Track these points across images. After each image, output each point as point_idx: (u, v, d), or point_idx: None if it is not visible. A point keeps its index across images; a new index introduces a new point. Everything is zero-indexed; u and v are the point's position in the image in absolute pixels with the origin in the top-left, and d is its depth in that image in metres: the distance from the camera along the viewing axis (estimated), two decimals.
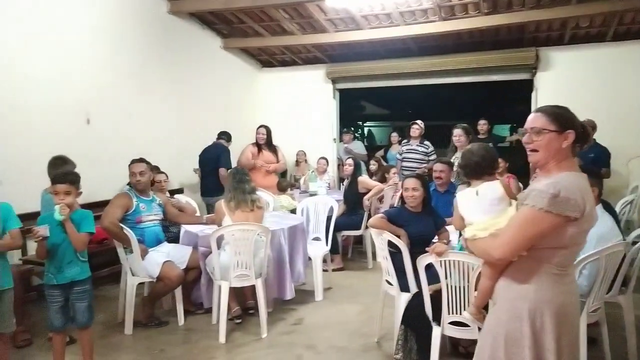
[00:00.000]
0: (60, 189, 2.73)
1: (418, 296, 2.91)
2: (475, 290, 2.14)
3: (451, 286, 2.63)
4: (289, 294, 3.92)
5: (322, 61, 7.85)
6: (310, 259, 4.38)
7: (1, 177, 4.04)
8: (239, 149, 6.23)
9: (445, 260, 2.60)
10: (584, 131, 1.74)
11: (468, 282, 2.56)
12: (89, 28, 5.03)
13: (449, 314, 2.66)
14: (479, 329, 2.56)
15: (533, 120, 1.75)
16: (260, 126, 6.24)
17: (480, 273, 1.99)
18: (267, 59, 8.08)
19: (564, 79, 6.55)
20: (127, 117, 5.51)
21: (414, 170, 6.54)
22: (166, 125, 6.14)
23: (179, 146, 6.16)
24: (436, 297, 2.72)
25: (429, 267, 2.72)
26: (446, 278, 2.63)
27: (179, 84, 6.38)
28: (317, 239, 4.83)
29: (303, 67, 8.06)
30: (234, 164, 5.93)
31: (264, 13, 6.35)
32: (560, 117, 1.72)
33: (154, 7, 5.97)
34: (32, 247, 3.73)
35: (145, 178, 3.81)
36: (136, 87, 5.68)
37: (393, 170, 6.09)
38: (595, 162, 5.04)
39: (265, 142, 6.15)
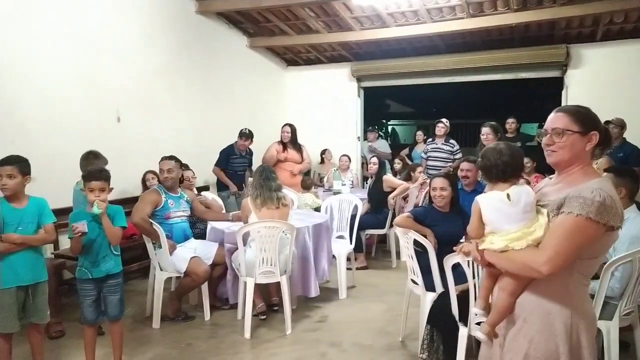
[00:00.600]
0: (95, 186, 2.80)
1: (444, 296, 2.89)
2: (479, 298, 1.91)
3: (479, 286, 2.60)
4: (314, 291, 3.94)
5: (347, 59, 7.83)
6: (334, 257, 4.39)
7: (34, 174, 4.17)
8: (265, 148, 6.27)
9: (472, 260, 2.57)
10: (607, 133, 1.64)
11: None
12: (119, 28, 5.13)
13: (476, 314, 2.62)
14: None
15: (554, 120, 1.64)
16: (285, 124, 6.28)
17: (485, 280, 1.81)
18: (293, 58, 8.11)
19: (596, 76, 6.38)
20: (156, 116, 5.62)
21: (439, 169, 6.48)
22: (193, 123, 6.23)
23: (206, 144, 6.24)
24: (463, 297, 2.69)
25: (456, 267, 2.70)
26: (474, 278, 2.60)
27: (206, 82, 6.47)
28: (341, 237, 4.84)
29: (328, 65, 8.06)
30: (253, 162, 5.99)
31: (290, 12, 6.37)
32: (584, 118, 1.61)
33: (182, 7, 6.06)
34: (64, 241, 3.85)
35: (174, 175, 3.89)
36: (164, 86, 5.78)
37: (419, 169, 6.04)
38: (624, 161, 4.89)
39: (290, 141, 6.19)
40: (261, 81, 7.69)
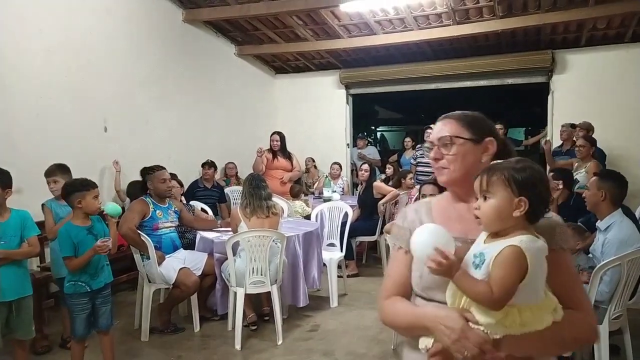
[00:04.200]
0: (98, 192, 2.78)
1: None
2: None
3: None
4: (302, 301, 3.90)
5: (335, 67, 7.86)
6: (325, 265, 4.37)
7: (20, 185, 4.10)
8: (254, 156, 6.24)
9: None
10: (505, 142, 1.38)
11: None
12: (106, 37, 5.10)
13: None
14: None
15: (440, 129, 1.37)
16: (274, 133, 6.27)
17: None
18: (281, 65, 8.11)
19: (581, 81, 6.46)
20: (143, 124, 5.57)
21: (429, 175, 6.50)
22: (181, 132, 6.19)
23: (193, 153, 6.20)
24: None
25: None
26: None
27: (194, 91, 6.45)
28: (331, 244, 4.82)
29: (316, 73, 8.08)
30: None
31: (278, 20, 6.38)
32: (475, 122, 1.35)
33: (169, 16, 6.04)
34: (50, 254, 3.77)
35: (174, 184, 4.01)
36: (152, 95, 5.75)
37: (409, 175, 6.05)
38: None
39: (280, 149, 6.18)
40: (250, 89, 7.67)
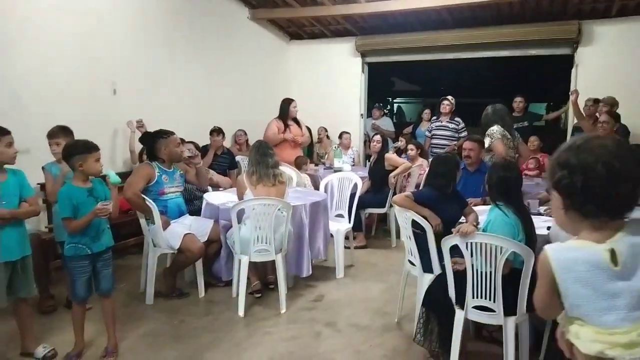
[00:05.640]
0: (99, 155, 2.73)
1: (441, 278, 2.81)
2: None
3: (476, 270, 2.51)
4: (306, 271, 3.86)
5: (352, 33, 7.62)
6: (332, 235, 4.31)
7: (29, 145, 4.09)
8: (265, 123, 6.14)
9: (471, 243, 2.48)
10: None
11: (495, 267, 2.44)
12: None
13: (473, 297, 2.55)
14: (505, 314, 2.45)
15: None
16: (293, 100, 6.12)
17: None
18: (296, 31, 7.90)
19: (608, 54, 6.17)
20: (152, 88, 5.48)
21: (444, 148, 6.36)
22: (192, 96, 6.10)
23: (205, 117, 6.11)
24: (460, 280, 2.61)
25: (454, 249, 2.60)
26: (472, 257, 2.51)
27: (205, 54, 6.31)
28: (340, 215, 4.75)
29: (332, 39, 7.86)
30: None
31: None
32: None
33: None
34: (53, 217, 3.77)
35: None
36: (162, 58, 5.64)
37: (410, 146, 5.95)
38: None
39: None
40: (263, 55, 7.50)
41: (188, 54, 6.01)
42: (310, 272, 3.91)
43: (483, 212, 3.04)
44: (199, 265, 3.74)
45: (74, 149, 2.69)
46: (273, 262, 3.65)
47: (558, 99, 11.52)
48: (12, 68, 4.08)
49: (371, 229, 5.76)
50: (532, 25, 6.35)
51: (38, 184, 4.16)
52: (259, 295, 3.73)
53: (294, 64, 8.07)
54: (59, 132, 3.67)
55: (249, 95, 7.12)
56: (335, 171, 5.57)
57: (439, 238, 2.96)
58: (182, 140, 4.65)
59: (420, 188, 5.47)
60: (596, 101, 5.47)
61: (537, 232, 2.64)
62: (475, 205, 3.57)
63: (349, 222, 4.61)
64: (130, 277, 4.12)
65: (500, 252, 2.39)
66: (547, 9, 6.21)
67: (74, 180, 2.73)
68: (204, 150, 5.23)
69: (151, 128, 4.28)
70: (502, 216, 2.56)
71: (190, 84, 6.07)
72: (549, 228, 3.01)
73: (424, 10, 6.37)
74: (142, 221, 3.67)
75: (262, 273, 3.91)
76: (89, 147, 2.69)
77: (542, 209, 3.65)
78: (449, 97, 6.43)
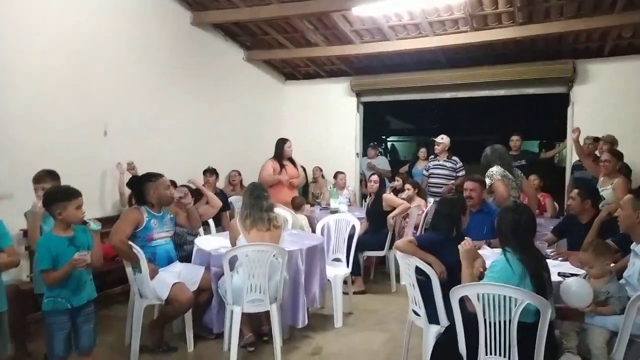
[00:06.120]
0: (81, 202, 2.56)
1: (450, 331, 2.60)
2: None
3: (489, 322, 2.31)
4: (301, 322, 3.62)
5: (346, 74, 7.63)
6: (329, 281, 4.10)
7: (14, 190, 3.91)
8: (261, 163, 6.00)
9: (482, 294, 2.29)
10: None
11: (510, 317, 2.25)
12: (108, 38, 4.92)
13: (486, 354, 2.34)
14: None
15: None
16: (286, 140, 6.01)
17: None
18: (291, 72, 7.92)
19: (603, 92, 6.16)
20: (145, 129, 5.37)
21: (442, 187, 6.25)
22: (187, 139, 5.99)
23: (199, 160, 5.97)
24: (472, 334, 2.40)
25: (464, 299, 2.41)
26: (484, 313, 2.31)
27: (201, 96, 6.26)
28: (337, 259, 4.55)
29: (327, 79, 7.87)
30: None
31: (288, 24, 6.18)
32: None
33: (176, 17, 5.86)
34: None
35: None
36: (157, 99, 5.56)
37: (407, 185, 5.84)
38: None
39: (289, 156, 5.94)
40: (258, 95, 7.47)
41: (182, 94, 5.94)
42: (306, 322, 3.67)
43: (488, 257, 2.87)
44: (188, 316, 3.50)
45: (53, 196, 2.52)
46: (268, 311, 3.42)
47: (552, 136, 11.55)
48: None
49: (370, 273, 5.53)
50: (527, 64, 6.36)
51: (21, 230, 3.99)
52: (252, 349, 3.48)
53: (289, 104, 8.05)
54: (45, 176, 3.53)
55: (243, 136, 7.03)
56: (332, 212, 5.40)
57: (444, 285, 2.78)
58: (174, 183, 4.50)
59: (421, 230, 5.34)
60: (595, 139, 5.41)
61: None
62: (478, 248, 3.39)
63: (347, 267, 4.41)
64: (115, 329, 3.85)
65: (515, 305, 2.20)
66: (542, 48, 6.25)
67: (54, 228, 2.55)
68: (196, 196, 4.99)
69: (143, 170, 4.12)
70: (504, 263, 2.40)
71: (184, 124, 5.97)
72: (560, 274, 2.85)
73: (419, 51, 6.39)
74: (129, 269, 3.45)
75: (256, 323, 3.67)
76: (69, 194, 2.52)
77: (549, 251, 3.49)
78: (439, 138, 6.41)
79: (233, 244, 3.44)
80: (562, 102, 6.62)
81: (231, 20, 6.10)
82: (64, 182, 3.75)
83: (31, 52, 4.20)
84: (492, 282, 2.34)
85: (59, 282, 2.46)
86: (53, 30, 4.37)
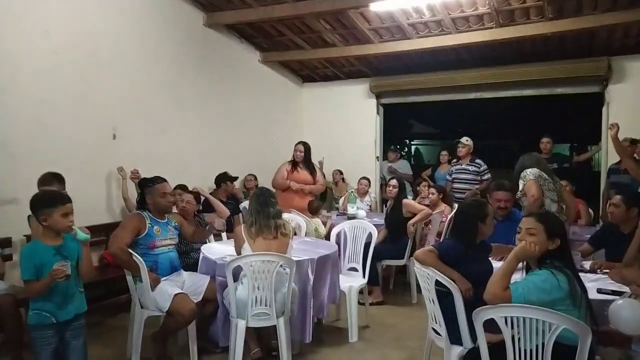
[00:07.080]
0: (70, 209, 2.38)
1: (473, 353, 2.32)
2: None
3: (519, 347, 2.02)
4: (308, 336, 3.36)
5: (365, 75, 7.39)
6: (343, 292, 3.83)
7: (18, 195, 3.80)
8: (276, 168, 5.79)
9: (510, 317, 2.00)
10: None
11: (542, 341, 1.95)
12: (118, 40, 4.81)
13: None
14: None
15: None
16: (298, 143, 5.77)
17: None
18: (309, 74, 7.71)
19: None
20: (157, 133, 5.24)
21: (465, 192, 5.93)
22: (200, 142, 5.84)
23: (213, 164, 5.81)
24: (499, 355, 2.11)
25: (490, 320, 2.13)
26: (512, 336, 2.03)
27: (215, 99, 6.11)
28: (353, 269, 4.28)
29: (345, 81, 7.63)
30: None
31: (304, 24, 5.98)
32: None
33: (189, 19, 5.73)
34: None
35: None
36: (170, 102, 5.43)
37: (432, 190, 5.54)
38: None
39: (303, 160, 5.68)
40: (275, 98, 7.30)
41: (195, 97, 5.80)
42: (311, 339, 3.39)
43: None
44: (191, 329, 3.29)
45: (37, 202, 2.34)
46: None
47: (583, 139, 11.03)
48: (1, 114, 3.85)
49: (389, 283, 5.24)
50: (557, 62, 6.00)
51: (24, 235, 3.87)
52: None
53: (307, 107, 7.86)
54: (51, 179, 3.41)
55: (260, 139, 6.85)
56: (349, 217, 5.14)
57: (468, 302, 2.50)
58: (184, 188, 4.34)
59: (443, 239, 5.03)
60: (633, 141, 5.01)
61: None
62: (502, 256, 3.07)
63: (364, 277, 4.13)
64: (117, 341, 3.68)
65: (550, 329, 1.91)
66: (573, 45, 5.88)
67: (41, 236, 2.37)
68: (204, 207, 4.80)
69: (154, 175, 3.96)
70: (550, 276, 2.08)
71: (198, 128, 5.83)
72: (600, 291, 2.53)
73: (441, 50, 6.10)
74: (129, 279, 3.27)
75: (265, 337, 3.44)
76: (54, 200, 2.33)
77: (585, 264, 3.16)
78: (463, 140, 6.10)
79: (238, 252, 3.22)
80: (595, 102, 6.23)
81: (245, 21, 5.93)
82: (70, 187, 3.64)
83: (39, 55, 4.10)
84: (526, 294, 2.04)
85: (41, 294, 2.28)
86: (62, 32, 4.27)
